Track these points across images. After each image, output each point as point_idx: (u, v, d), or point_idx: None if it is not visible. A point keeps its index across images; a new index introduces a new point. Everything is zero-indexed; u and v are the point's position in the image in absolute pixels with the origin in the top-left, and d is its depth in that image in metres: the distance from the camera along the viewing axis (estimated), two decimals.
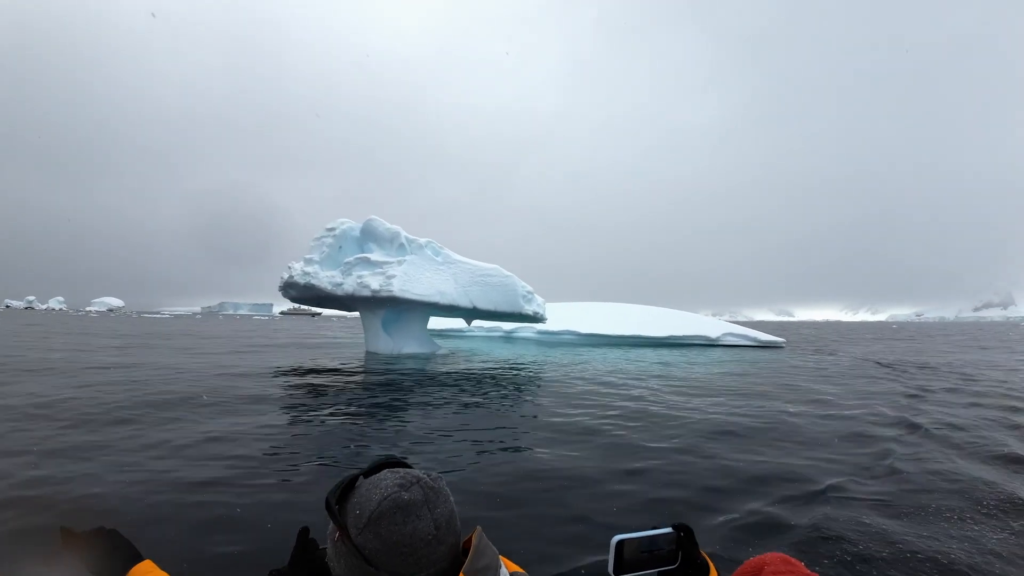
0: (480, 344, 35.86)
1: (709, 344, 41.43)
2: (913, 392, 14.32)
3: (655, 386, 14.89)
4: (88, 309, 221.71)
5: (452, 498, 1.06)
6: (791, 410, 11.36)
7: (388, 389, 13.58)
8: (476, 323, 43.55)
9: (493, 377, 16.79)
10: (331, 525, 1.03)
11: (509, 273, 27.21)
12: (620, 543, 1.19)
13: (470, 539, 1.06)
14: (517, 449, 7.78)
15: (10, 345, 25.84)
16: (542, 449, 7.76)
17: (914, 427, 9.65)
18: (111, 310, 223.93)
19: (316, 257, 26.14)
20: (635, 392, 13.68)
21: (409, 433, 8.69)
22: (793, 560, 0.91)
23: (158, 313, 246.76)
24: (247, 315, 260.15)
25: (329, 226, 27.13)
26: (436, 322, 44.99)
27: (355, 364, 20.17)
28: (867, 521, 5.23)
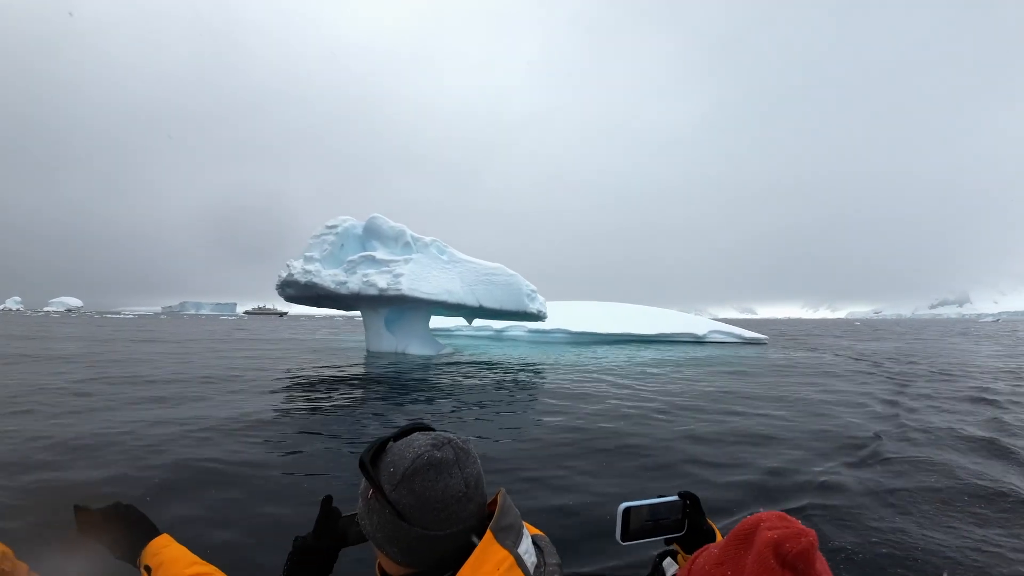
0: (474, 343, 35.54)
1: (696, 341, 42.08)
2: (898, 381, 15.86)
3: (706, 387, 15.15)
4: (46, 309, 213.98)
5: (479, 461, 1.10)
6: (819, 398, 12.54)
7: (435, 392, 13.45)
8: (462, 321, 43.35)
9: (517, 381, 16.75)
10: (363, 483, 1.07)
11: (513, 272, 27.13)
12: (627, 510, 1.23)
13: (495, 500, 1.10)
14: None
15: None
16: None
17: (910, 410, 11.09)
18: (70, 310, 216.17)
19: (316, 255, 25.55)
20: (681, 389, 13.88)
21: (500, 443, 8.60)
22: (788, 516, 0.92)
23: (119, 313, 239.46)
24: (211, 315, 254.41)
25: (330, 223, 26.58)
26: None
27: (369, 365, 19.84)
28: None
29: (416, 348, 25.50)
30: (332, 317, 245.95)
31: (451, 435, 1.10)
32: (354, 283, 24.13)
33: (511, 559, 0.99)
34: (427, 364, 19.93)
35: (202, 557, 1.32)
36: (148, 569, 1.28)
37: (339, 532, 1.30)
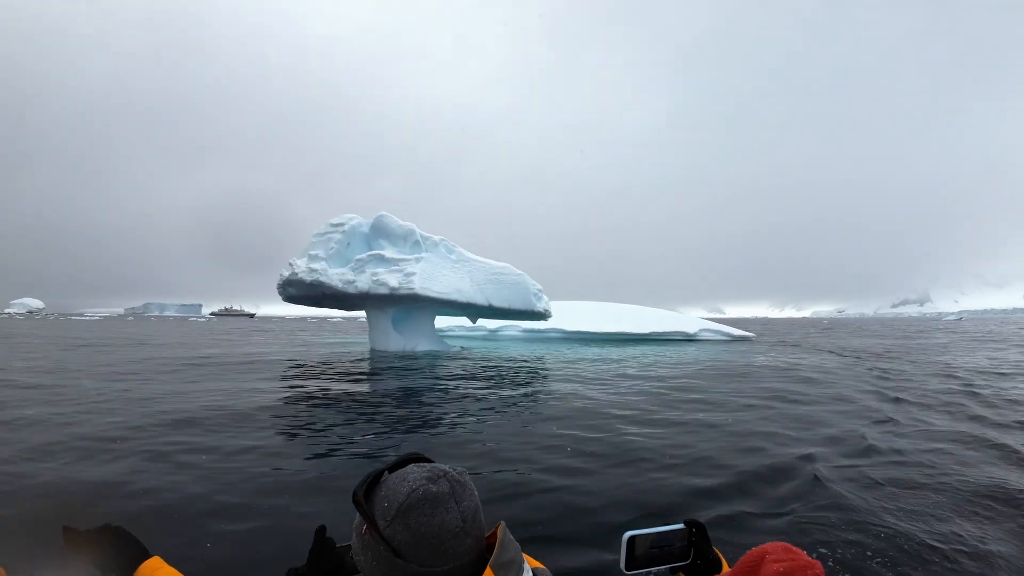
0: (473, 343, 35.10)
1: (688, 339, 42.58)
2: (879, 374, 16.82)
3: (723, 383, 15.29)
4: (7, 311, 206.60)
5: (477, 493, 1.08)
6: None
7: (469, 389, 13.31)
8: (455, 321, 43.18)
9: (541, 373, 16.66)
10: (357, 518, 1.04)
11: (520, 271, 27.10)
12: (632, 539, 1.22)
13: (494, 533, 1.08)
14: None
15: None
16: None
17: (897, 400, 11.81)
18: (32, 312, 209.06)
19: (322, 254, 25.10)
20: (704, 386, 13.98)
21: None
22: (794, 548, 0.94)
23: (81, 315, 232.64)
24: (177, 316, 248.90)
25: (335, 221, 26.16)
26: None
27: (385, 365, 19.50)
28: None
29: (425, 347, 25.29)
30: (304, 318, 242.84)
31: (446, 467, 1.07)
32: (363, 282, 23.77)
33: None
34: (459, 364, 19.63)
35: None
36: None
37: (334, 563, 1.27)
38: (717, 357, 23.53)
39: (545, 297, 28.25)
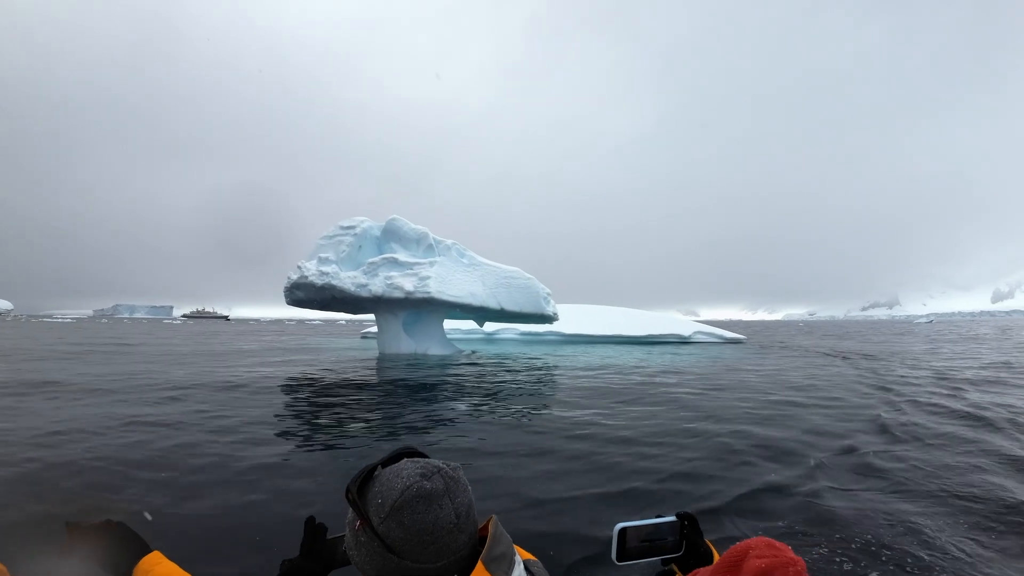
0: (474, 345, 35.02)
1: (683, 341, 43.07)
2: (868, 372, 18.07)
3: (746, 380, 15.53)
4: None
5: (470, 488, 1.09)
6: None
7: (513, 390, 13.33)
8: (451, 324, 42.99)
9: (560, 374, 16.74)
10: (350, 514, 1.05)
11: (530, 275, 27.19)
12: (623, 530, 1.23)
13: (486, 527, 1.09)
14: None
15: None
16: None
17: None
18: (0, 314, 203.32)
19: (332, 256, 24.81)
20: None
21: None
22: (778, 544, 0.95)
23: (51, 316, 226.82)
24: (148, 319, 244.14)
25: (345, 224, 25.88)
26: None
27: (405, 369, 19.40)
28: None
29: (436, 350, 25.20)
30: (281, 320, 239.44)
31: (440, 463, 1.08)
32: (376, 286, 23.59)
33: None
34: (482, 367, 19.62)
35: (194, 573, 1.32)
36: None
37: (327, 553, 1.29)
38: (738, 361, 23.79)
39: (552, 301, 28.37)
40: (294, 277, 24.90)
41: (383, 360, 22.19)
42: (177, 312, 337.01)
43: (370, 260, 24.70)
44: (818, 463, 6.92)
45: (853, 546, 4.48)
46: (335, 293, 24.25)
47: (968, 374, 17.23)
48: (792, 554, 0.92)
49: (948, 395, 12.88)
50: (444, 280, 23.79)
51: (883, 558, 4.26)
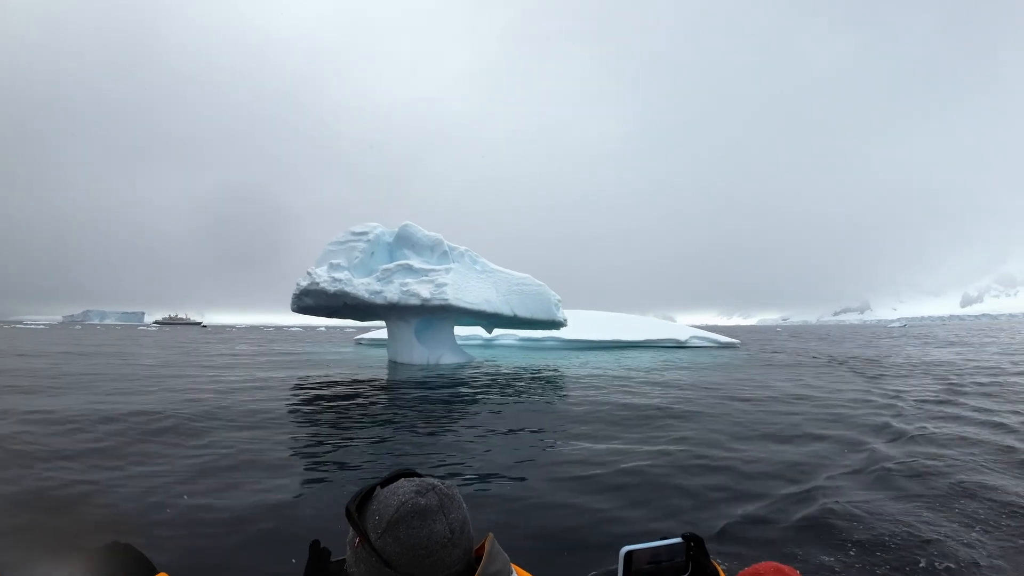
0: (473, 351, 34.69)
1: (679, 345, 43.47)
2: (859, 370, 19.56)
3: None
4: None
5: (465, 506, 1.12)
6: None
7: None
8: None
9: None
10: (351, 532, 1.10)
11: (540, 282, 27.17)
12: (629, 554, 1.23)
13: (483, 545, 1.12)
14: None
15: None
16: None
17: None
18: None
19: (344, 263, 24.52)
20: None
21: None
22: (786, 569, 0.94)
23: (21, 323, 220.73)
24: (120, 325, 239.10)
25: (357, 230, 25.57)
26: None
27: (425, 378, 19.19)
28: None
29: (449, 358, 24.97)
30: (258, 327, 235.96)
31: (435, 481, 1.11)
32: (392, 292, 23.33)
33: None
34: (508, 376, 19.45)
35: None
36: None
37: (330, 575, 1.31)
38: (751, 363, 23.98)
39: (562, 307, 28.40)
40: (303, 284, 24.50)
41: (403, 370, 21.90)
42: (149, 318, 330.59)
43: (384, 267, 24.45)
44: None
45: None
46: (348, 300, 23.94)
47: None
48: None
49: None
50: (460, 287, 23.67)
51: None
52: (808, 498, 6.01)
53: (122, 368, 21.78)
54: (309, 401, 13.44)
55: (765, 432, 9.58)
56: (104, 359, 26.71)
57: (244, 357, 30.02)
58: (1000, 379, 17.50)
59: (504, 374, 20.07)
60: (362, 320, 28.27)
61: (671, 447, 8.41)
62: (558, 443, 8.94)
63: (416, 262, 24.51)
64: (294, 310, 26.52)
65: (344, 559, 1.23)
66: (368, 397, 14.13)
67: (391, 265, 24.37)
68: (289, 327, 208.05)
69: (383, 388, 16.21)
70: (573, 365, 24.41)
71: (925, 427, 9.81)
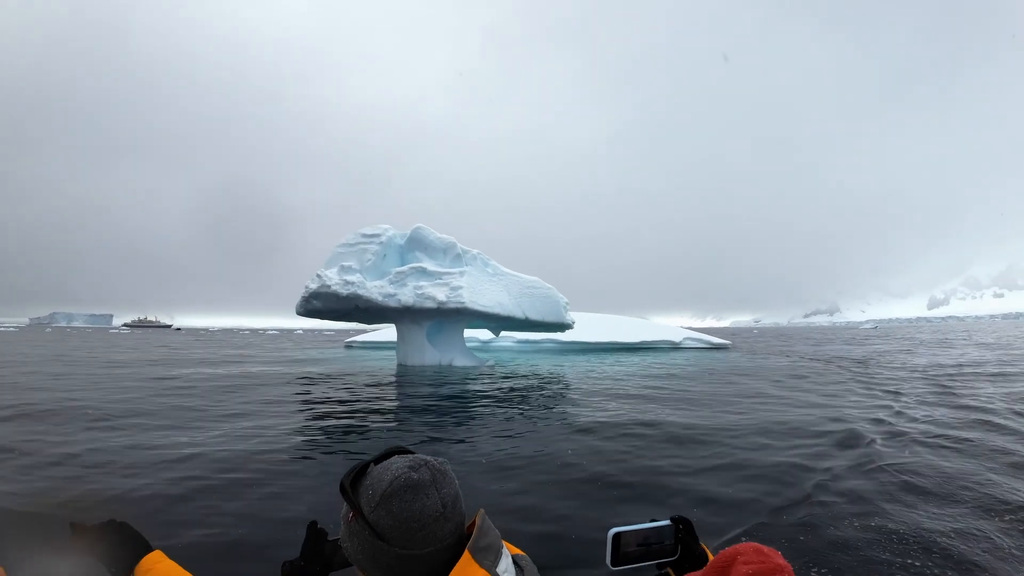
0: (477, 354, 34.66)
1: (674, 347, 44.04)
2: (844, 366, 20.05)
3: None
4: None
5: (457, 482, 1.14)
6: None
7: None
8: None
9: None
10: (344, 507, 1.11)
11: (549, 285, 27.34)
12: (617, 535, 1.24)
13: (474, 521, 1.14)
14: None
15: None
16: None
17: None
18: None
19: (355, 265, 24.37)
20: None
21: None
22: (766, 549, 0.96)
23: None
24: (89, 328, 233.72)
25: (368, 232, 25.42)
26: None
27: (445, 380, 19.09)
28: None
29: (460, 361, 24.94)
30: (232, 330, 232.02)
31: (428, 457, 1.14)
32: (406, 295, 23.26)
33: None
34: (523, 377, 19.41)
35: (194, 573, 1.38)
36: None
37: (327, 556, 1.35)
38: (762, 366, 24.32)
39: (570, 309, 28.65)
40: (313, 286, 24.25)
41: (419, 373, 21.79)
42: (118, 321, 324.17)
43: (397, 269, 24.35)
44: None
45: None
46: (360, 303, 23.78)
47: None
48: (781, 560, 0.94)
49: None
50: (475, 290, 23.74)
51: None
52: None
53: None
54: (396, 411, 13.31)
55: None
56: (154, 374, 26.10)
57: (273, 365, 29.54)
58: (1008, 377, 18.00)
59: (525, 375, 20.10)
60: (369, 323, 28.10)
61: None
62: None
63: (430, 265, 24.48)
64: (300, 313, 26.19)
65: (338, 538, 1.25)
66: (429, 405, 14.06)
67: (405, 268, 24.29)
68: (265, 330, 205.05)
69: (436, 395, 16.14)
70: (596, 367, 24.39)
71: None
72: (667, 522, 1.30)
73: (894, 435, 9.12)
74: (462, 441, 9.05)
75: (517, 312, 25.53)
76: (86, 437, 8.97)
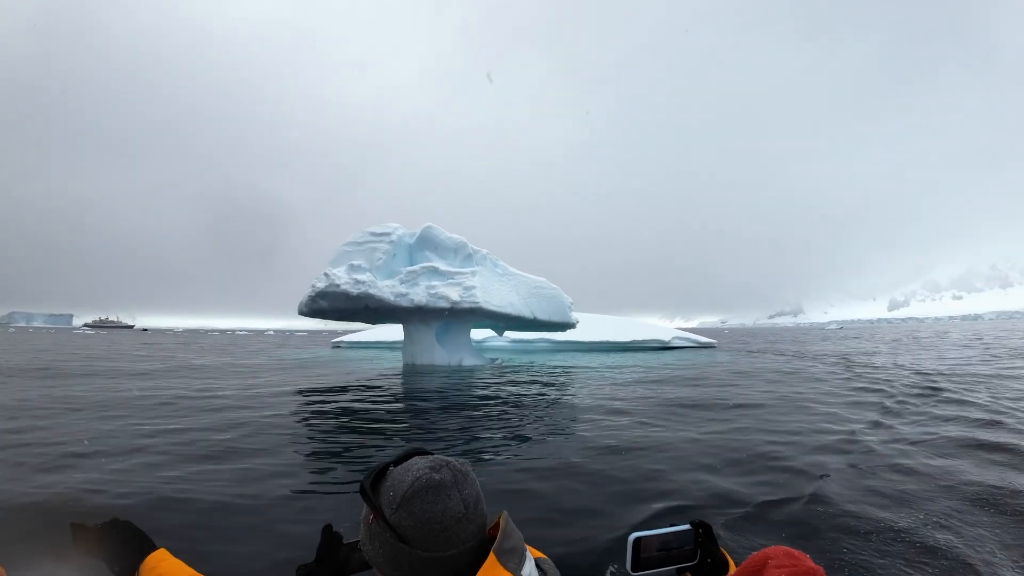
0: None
1: (663, 347, 44.73)
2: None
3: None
4: None
5: (478, 483, 1.12)
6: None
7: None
8: None
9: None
10: (364, 510, 1.10)
11: (555, 285, 27.68)
12: (637, 540, 1.25)
13: (497, 523, 1.12)
14: None
15: None
16: None
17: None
18: None
19: (365, 264, 24.24)
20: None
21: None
22: (796, 553, 0.96)
23: None
24: (48, 328, 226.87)
25: (378, 231, 25.30)
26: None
27: (462, 381, 19.11)
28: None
29: (469, 360, 25.07)
30: (198, 330, 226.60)
31: (449, 458, 1.13)
32: (418, 295, 23.30)
33: None
34: (533, 376, 19.52)
35: (200, 571, 1.35)
36: None
37: (341, 559, 1.32)
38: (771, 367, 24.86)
39: (574, 309, 29.10)
40: (320, 285, 23.94)
41: (431, 373, 21.73)
42: (78, 321, 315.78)
43: (408, 269, 24.37)
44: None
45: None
46: (371, 303, 23.62)
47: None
48: (811, 563, 0.94)
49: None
50: (487, 290, 23.88)
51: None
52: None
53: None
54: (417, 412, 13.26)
55: None
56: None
57: (292, 372, 29.15)
58: (992, 376, 18.60)
59: (536, 372, 20.30)
60: (374, 323, 28.05)
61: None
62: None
63: (441, 264, 24.55)
64: (304, 313, 25.82)
65: (355, 542, 1.27)
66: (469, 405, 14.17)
67: (416, 267, 24.31)
68: (235, 331, 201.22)
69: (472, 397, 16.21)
70: (595, 367, 24.57)
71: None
72: (687, 526, 1.32)
73: (899, 437, 9.32)
74: (478, 439, 8.95)
75: (526, 312, 25.76)
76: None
